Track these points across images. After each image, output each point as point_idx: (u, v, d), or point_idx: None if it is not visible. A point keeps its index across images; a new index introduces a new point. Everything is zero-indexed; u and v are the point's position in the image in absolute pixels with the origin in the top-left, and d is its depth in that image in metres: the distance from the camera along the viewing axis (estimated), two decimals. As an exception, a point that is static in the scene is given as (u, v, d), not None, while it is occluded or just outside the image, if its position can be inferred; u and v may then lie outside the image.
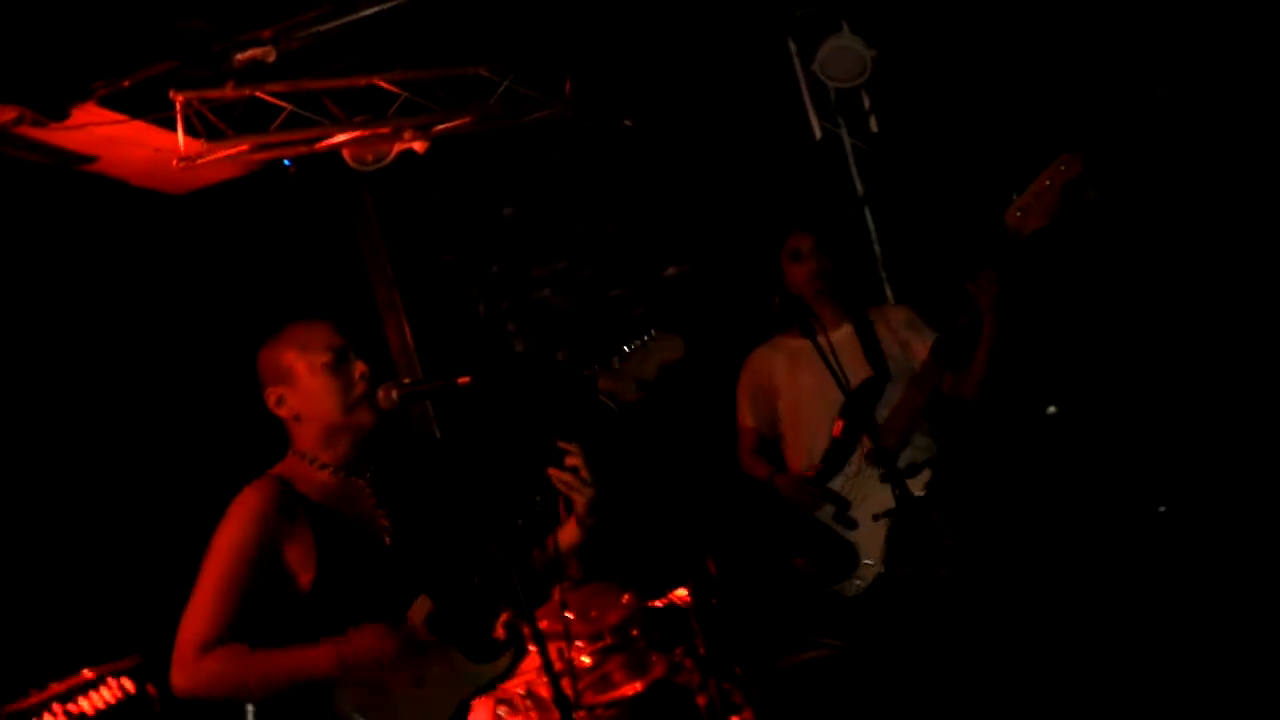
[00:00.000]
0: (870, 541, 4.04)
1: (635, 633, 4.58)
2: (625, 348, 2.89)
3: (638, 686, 4.54)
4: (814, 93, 6.22)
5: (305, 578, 2.72)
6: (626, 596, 4.66)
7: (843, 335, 4.25)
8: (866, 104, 6.31)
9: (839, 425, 4.14)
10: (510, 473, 2.98)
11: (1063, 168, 3.71)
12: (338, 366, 2.84)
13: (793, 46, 6.18)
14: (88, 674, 4.04)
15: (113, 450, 5.16)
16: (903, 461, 4.06)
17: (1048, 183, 3.72)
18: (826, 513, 4.13)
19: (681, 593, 4.75)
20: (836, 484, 4.12)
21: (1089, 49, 5.76)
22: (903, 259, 6.29)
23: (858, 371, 4.13)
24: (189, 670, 2.62)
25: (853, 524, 4.07)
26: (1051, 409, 5.98)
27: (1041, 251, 3.85)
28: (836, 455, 4.13)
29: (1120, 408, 5.79)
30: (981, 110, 5.95)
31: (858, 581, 4.03)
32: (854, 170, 6.38)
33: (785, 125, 6.28)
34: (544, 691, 4.41)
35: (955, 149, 6.01)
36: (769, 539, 4.28)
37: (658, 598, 4.77)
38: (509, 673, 2.93)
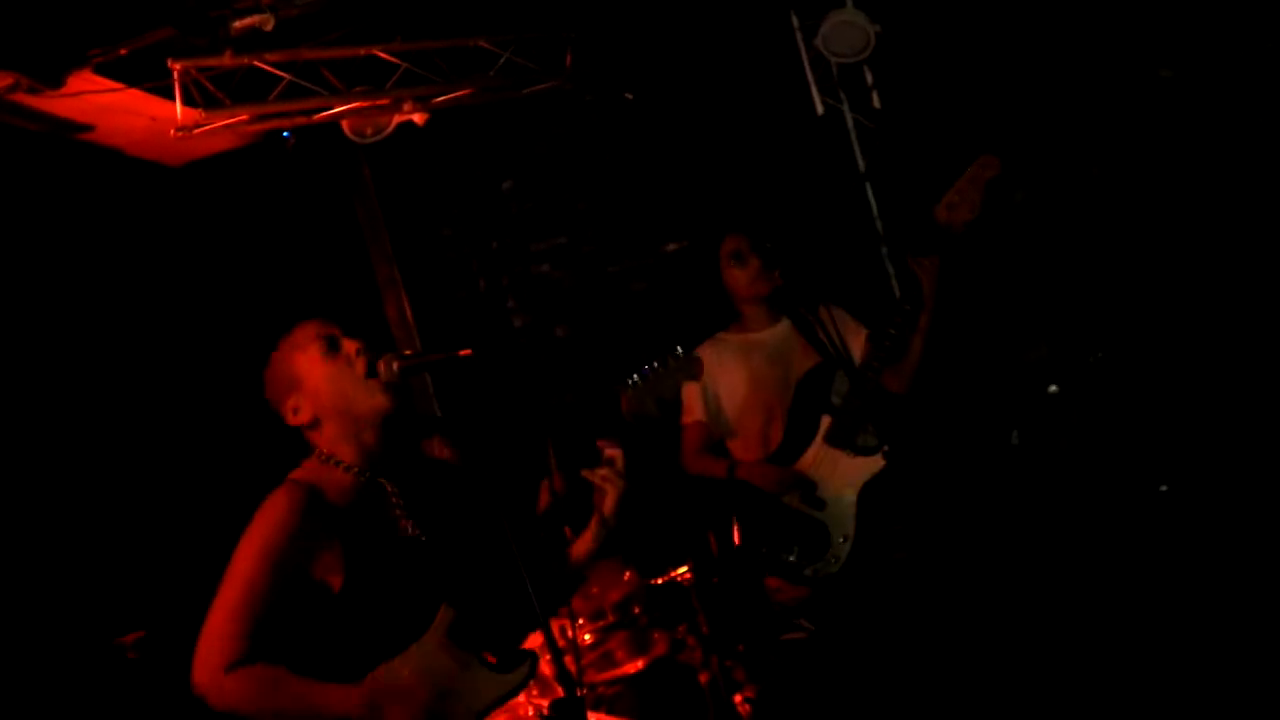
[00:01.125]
0: (840, 518, 4.10)
1: (637, 610, 4.56)
2: (647, 367, 2.89)
3: (639, 664, 4.53)
4: (816, 68, 6.18)
5: (335, 584, 2.68)
6: (628, 574, 4.65)
7: (782, 329, 4.40)
8: (869, 79, 6.27)
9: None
10: (507, 447, 2.96)
11: (982, 168, 3.96)
12: (331, 351, 2.83)
13: (795, 21, 6.15)
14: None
15: (113, 425, 5.12)
16: (860, 442, 4.14)
17: (969, 182, 3.95)
18: (793, 497, 4.15)
19: (683, 570, 4.73)
20: (799, 466, 4.15)
21: (1094, 24, 5.73)
22: (905, 236, 6.26)
23: (803, 362, 4.29)
24: (213, 686, 2.57)
25: (820, 504, 4.11)
26: (1053, 388, 5.96)
27: (975, 243, 3.98)
28: (794, 439, 4.16)
29: (1123, 386, 5.77)
30: (985, 86, 5.92)
31: (833, 559, 4.06)
32: (856, 147, 6.34)
33: (787, 100, 6.24)
34: (546, 669, 4.39)
35: (958, 125, 5.97)
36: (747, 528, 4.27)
37: (659, 575, 4.74)
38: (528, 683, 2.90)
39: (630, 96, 6.27)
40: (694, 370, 2.92)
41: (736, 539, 4.24)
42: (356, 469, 2.82)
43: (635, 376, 2.87)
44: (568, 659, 2.85)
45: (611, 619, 4.54)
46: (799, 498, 4.14)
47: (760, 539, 4.20)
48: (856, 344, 4.26)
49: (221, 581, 2.64)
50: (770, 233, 4.47)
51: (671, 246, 6.51)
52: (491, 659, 2.77)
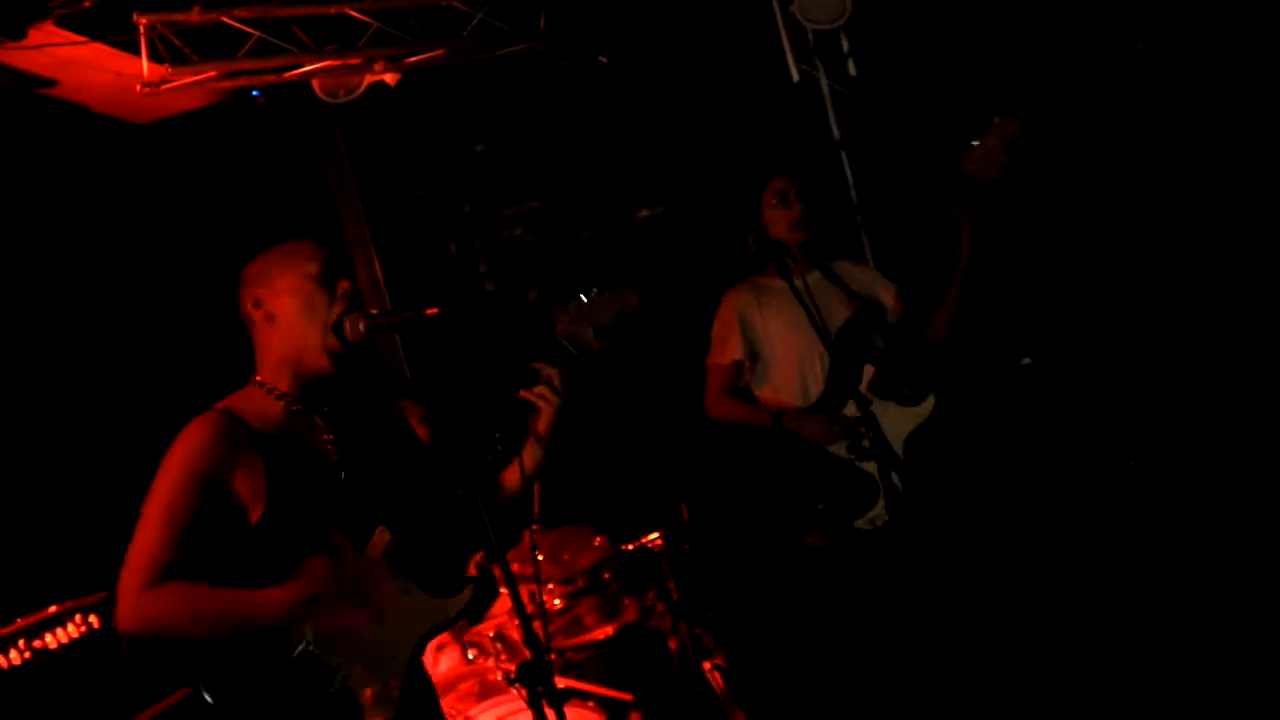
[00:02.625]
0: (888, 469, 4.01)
1: (607, 576, 4.55)
2: (583, 294, 2.85)
3: (609, 630, 4.52)
4: (792, 35, 6.13)
5: (255, 510, 2.63)
6: (599, 539, 4.63)
7: (814, 279, 4.22)
8: (845, 47, 6.24)
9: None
10: (475, 409, 2.93)
11: (1003, 127, 3.85)
12: (324, 277, 2.76)
13: (772, -12, 6.09)
14: (53, 609, 3.98)
15: (75, 384, 5.06)
16: (907, 389, 4.08)
17: (995, 140, 3.84)
18: (840, 447, 4.07)
19: (654, 536, 4.71)
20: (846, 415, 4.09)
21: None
22: (880, 204, 6.24)
23: (841, 310, 4.17)
24: (133, 607, 2.54)
25: (867, 454, 4.02)
26: (1026, 360, 5.97)
27: (1002, 201, 3.94)
28: (837, 387, 4.09)
29: (1093, 360, 5.78)
30: (961, 53, 5.89)
31: (881, 509, 4.00)
32: (831, 114, 6.31)
33: (762, 67, 6.20)
34: (515, 634, 4.38)
35: (935, 93, 5.94)
36: (778, 480, 4.20)
37: (630, 541, 4.72)
38: (475, 611, 2.88)
39: (604, 60, 6.22)
40: (629, 301, 2.86)
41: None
42: (288, 399, 2.77)
43: (573, 302, 2.83)
44: (535, 624, 2.84)
45: (581, 584, 4.53)
46: (846, 448, 4.07)
47: (807, 493, 4.12)
48: (886, 296, 4.25)
49: (142, 508, 2.60)
50: (742, 199, 4.43)
51: (644, 212, 6.48)
52: (431, 583, 2.77)
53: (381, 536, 2.73)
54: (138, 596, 2.53)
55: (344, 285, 2.78)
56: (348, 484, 2.77)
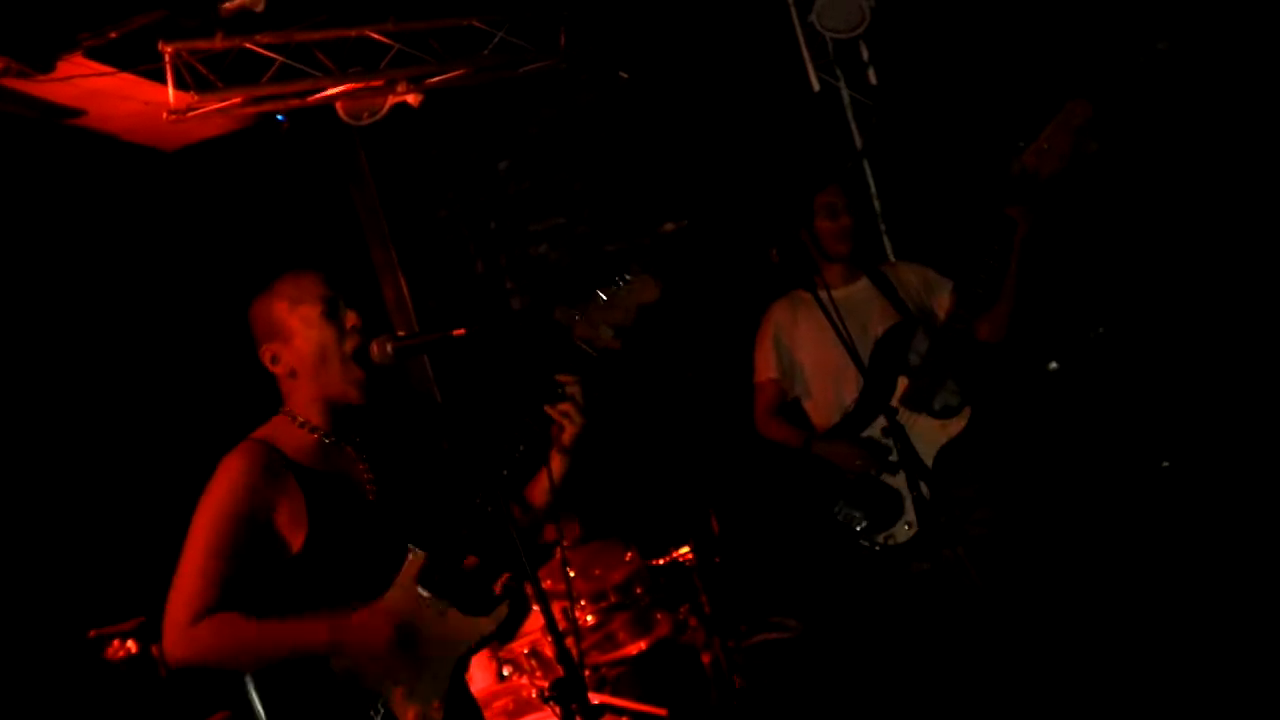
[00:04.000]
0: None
1: (639, 591, 4.56)
2: (599, 292, 2.79)
3: (642, 645, 4.53)
4: (811, 44, 6.13)
5: (297, 539, 2.65)
6: (629, 554, 4.64)
7: (861, 287, 4.25)
8: (865, 55, 6.23)
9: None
10: (499, 426, 2.92)
11: (1072, 113, 3.71)
12: (330, 317, 2.76)
13: (790, -3, 6.10)
14: (92, 634, 4.04)
15: (110, 412, 5.10)
16: (938, 404, 4.04)
17: (1058, 129, 3.71)
18: (871, 463, 4.07)
19: (684, 550, 4.72)
20: (873, 430, 4.08)
21: (1091, -1, 5.68)
22: (902, 214, 6.23)
23: (882, 320, 4.15)
24: (181, 639, 2.56)
25: (894, 469, 4.02)
26: (1053, 365, 5.93)
27: (1061, 196, 3.84)
28: (870, 401, 4.08)
29: (1123, 362, 5.75)
30: (982, 61, 5.87)
31: (906, 526, 3.99)
32: (852, 123, 6.30)
33: (782, 78, 6.19)
34: (548, 651, 4.39)
35: (956, 101, 5.93)
36: (807, 493, 4.19)
37: (661, 556, 4.73)
38: (508, 629, 2.88)
39: (625, 75, 6.23)
40: (646, 293, 2.82)
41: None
42: (321, 431, 2.78)
43: (588, 304, 2.78)
44: (568, 640, 2.83)
45: (614, 600, 4.54)
46: (873, 463, 4.06)
47: (833, 505, 4.10)
48: (941, 301, 4.19)
49: (184, 543, 2.62)
50: (766, 211, 4.43)
51: (669, 226, 6.48)
52: (466, 603, 2.75)
53: (415, 558, 2.73)
54: (186, 630, 2.56)
55: (352, 319, 2.78)
56: (382, 508, 2.78)
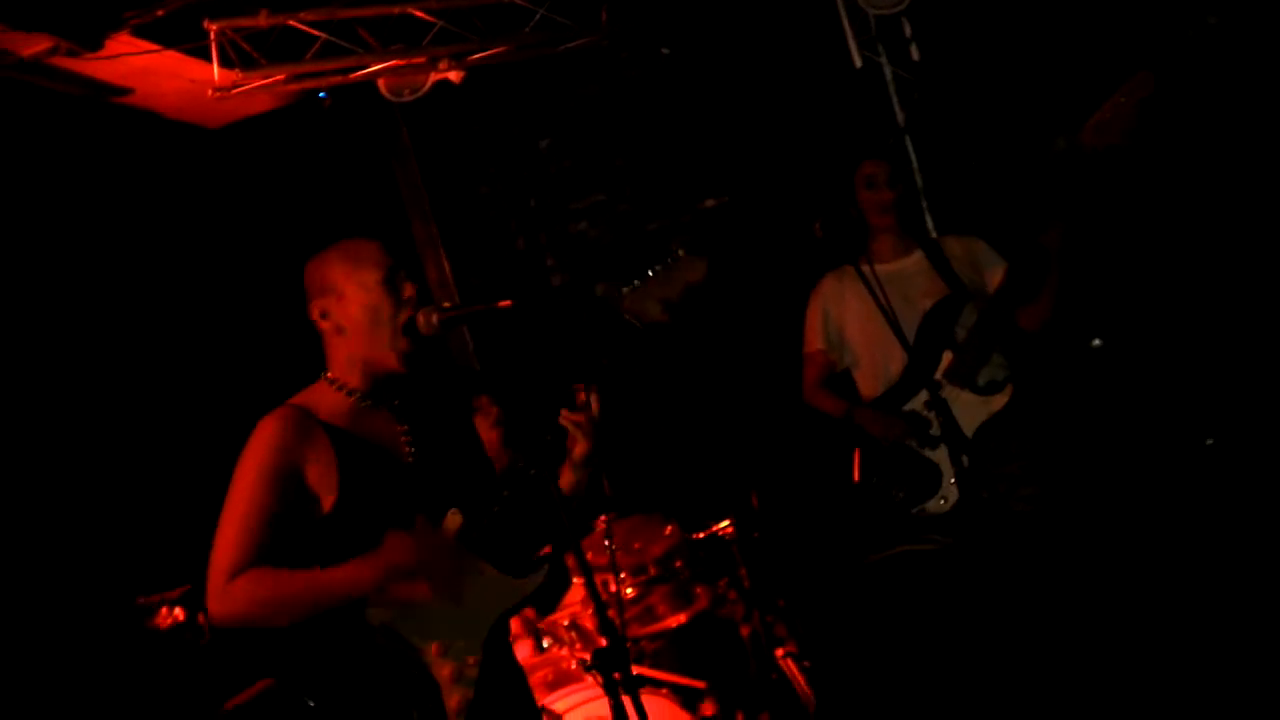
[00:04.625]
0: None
1: (679, 564, 4.58)
2: (650, 269, 2.82)
3: (681, 618, 4.55)
4: (854, 20, 6.08)
5: (328, 500, 2.69)
6: (669, 528, 4.66)
7: (913, 261, 4.25)
8: (908, 31, 6.17)
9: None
10: (540, 395, 2.94)
11: (1137, 85, 3.66)
12: (389, 285, 2.79)
13: (832, -28, 6.06)
14: (140, 601, 4.11)
15: (155, 383, 5.17)
16: (983, 379, 4.04)
17: (1122, 100, 3.66)
18: (910, 435, 4.08)
19: (724, 524, 4.73)
20: (915, 404, 4.08)
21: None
22: (945, 190, 6.20)
23: (929, 294, 4.15)
24: (221, 596, 2.61)
25: (934, 442, 4.02)
26: (1096, 341, 5.89)
27: (1118, 171, 3.79)
28: (914, 374, 4.08)
29: (1167, 340, 5.70)
30: (1025, 37, 5.82)
31: (942, 500, 4.00)
32: (895, 100, 6.26)
33: (824, 54, 6.16)
34: (589, 623, 4.42)
35: (999, 77, 5.89)
36: (843, 463, 4.20)
37: (701, 530, 4.75)
38: (548, 598, 2.91)
39: (667, 51, 6.23)
40: (695, 273, 2.84)
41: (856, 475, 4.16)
42: (359, 394, 2.82)
43: (638, 279, 2.81)
44: (610, 611, 2.85)
45: (653, 573, 4.56)
46: (913, 433, 4.07)
47: (875, 474, 4.14)
48: (993, 278, 4.17)
49: (223, 506, 2.67)
50: (807, 187, 4.43)
51: (710, 202, 6.48)
52: (505, 563, 2.78)
53: (454, 519, 2.76)
54: (225, 587, 2.61)
55: (409, 290, 2.81)
56: (418, 472, 2.81)
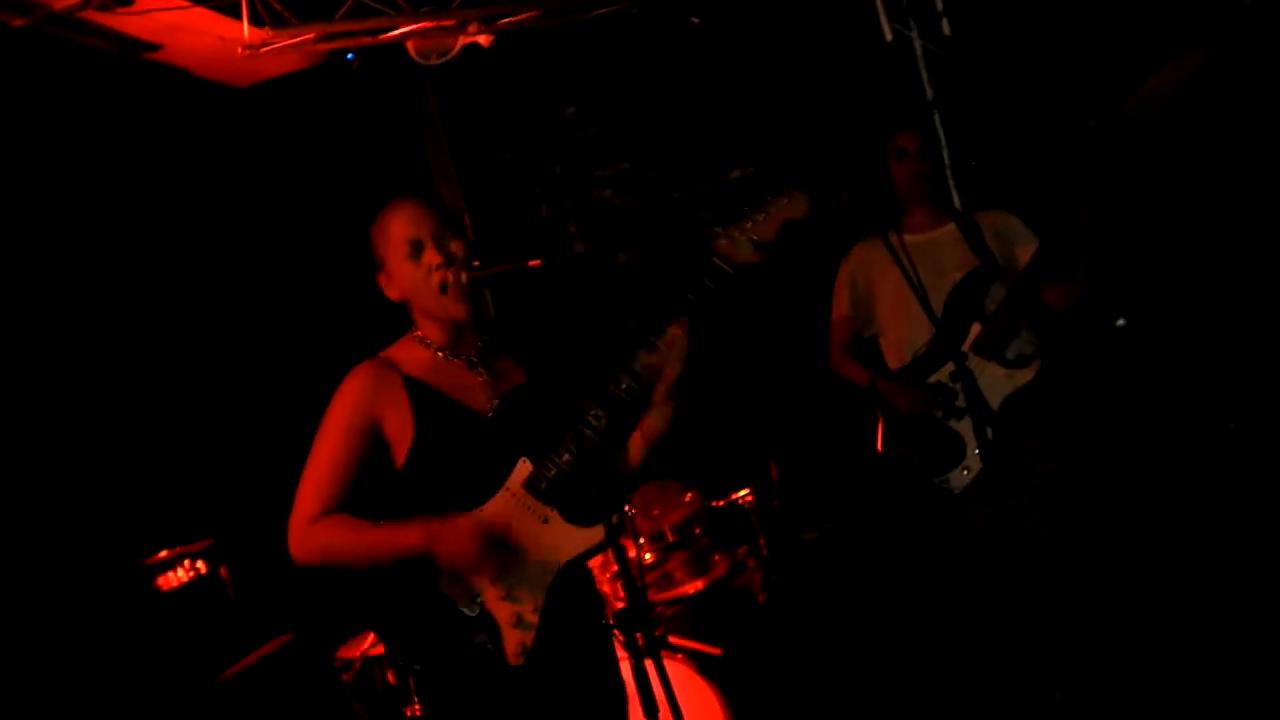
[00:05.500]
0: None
1: (698, 531, 4.58)
2: (746, 209, 2.81)
3: (699, 585, 4.56)
4: (885, -7, 6.06)
5: (403, 449, 2.80)
6: (689, 495, 4.66)
7: (945, 233, 4.24)
8: (939, 6, 6.13)
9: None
10: (566, 362, 2.96)
11: (1181, 65, 3.64)
12: (413, 256, 2.87)
13: (864, -55, 6.02)
14: (164, 554, 4.15)
15: (180, 339, 5.19)
16: (1011, 352, 4.03)
17: (1165, 79, 3.64)
18: (937, 406, 4.08)
19: (744, 493, 4.74)
20: (941, 375, 4.08)
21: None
22: (973, 166, 6.16)
23: (958, 267, 4.14)
24: (300, 539, 2.76)
25: (959, 414, 4.02)
26: (1120, 321, 5.87)
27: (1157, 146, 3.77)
28: (942, 345, 4.07)
29: (1190, 321, 5.67)
30: (1058, 13, 5.78)
31: (965, 471, 4.00)
32: (924, 74, 6.23)
33: (855, 26, 6.12)
34: (605, 588, 4.43)
35: (1030, 53, 5.84)
36: (865, 433, 4.21)
37: (720, 498, 4.76)
38: (610, 544, 2.88)
39: (697, 21, 6.19)
40: (797, 209, 2.81)
41: None
42: (437, 346, 2.92)
43: (734, 220, 2.79)
44: (632, 571, 2.84)
45: (672, 540, 4.57)
46: (938, 405, 4.07)
47: (898, 444, 4.15)
48: (1025, 253, 4.15)
49: (309, 453, 2.82)
50: (835, 159, 4.41)
51: (736, 173, 6.46)
52: (571, 511, 2.81)
53: (523, 468, 2.81)
54: (306, 529, 2.77)
55: (436, 259, 2.84)
56: (495, 422, 2.88)
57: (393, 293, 2.92)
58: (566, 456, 2.77)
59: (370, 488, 2.79)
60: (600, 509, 2.72)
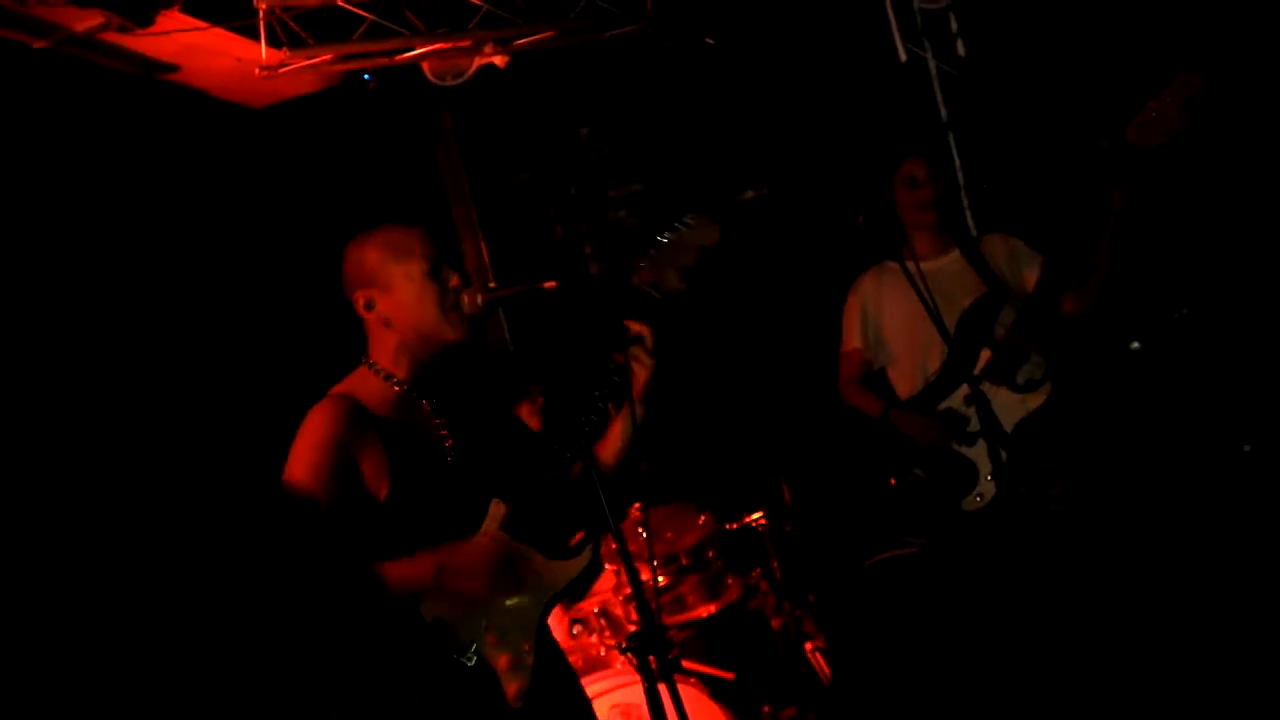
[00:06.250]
0: (990, 456, 3.98)
1: (711, 554, 4.58)
2: (661, 237, 2.84)
3: (712, 609, 4.55)
4: (899, 14, 6.06)
5: (380, 491, 2.70)
6: (702, 518, 4.66)
7: (951, 260, 4.24)
8: (954, 26, 6.15)
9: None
10: (578, 376, 2.94)
11: (1182, 85, 3.64)
12: (433, 276, 2.80)
13: (878, -34, 6.04)
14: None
15: (196, 357, 5.19)
16: (1021, 377, 4.02)
17: (1167, 101, 3.64)
18: (949, 436, 4.08)
19: (757, 516, 4.73)
20: (952, 401, 4.08)
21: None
22: (988, 188, 6.16)
23: (967, 293, 4.14)
24: None
25: (971, 440, 4.02)
26: (1135, 345, 5.85)
27: (1161, 170, 3.78)
28: (952, 372, 4.07)
29: (1207, 343, 5.65)
30: (1073, 33, 5.78)
31: (978, 498, 3.99)
32: (939, 95, 6.24)
33: (869, 47, 6.14)
34: (618, 611, 4.43)
35: (1045, 74, 5.85)
36: (880, 459, 4.21)
37: (733, 520, 4.75)
38: (584, 582, 2.89)
39: (711, 41, 6.21)
40: (708, 236, 2.83)
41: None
42: (403, 385, 2.83)
43: (651, 249, 2.83)
44: (648, 592, 2.84)
45: (685, 562, 4.56)
46: (951, 433, 4.07)
47: (909, 471, 4.15)
48: (1030, 275, 4.17)
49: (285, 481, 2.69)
50: (849, 181, 4.42)
51: (749, 194, 6.45)
52: (549, 548, 2.80)
53: (497, 509, 2.76)
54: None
55: (454, 279, 2.82)
56: (459, 463, 2.81)
57: (381, 312, 2.80)
58: (537, 494, 2.75)
59: (345, 530, 2.66)
60: (579, 543, 2.74)
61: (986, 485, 3.96)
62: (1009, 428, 3.99)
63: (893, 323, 4.34)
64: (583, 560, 2.82)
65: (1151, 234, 5.49)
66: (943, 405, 4.10)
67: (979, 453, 3.99)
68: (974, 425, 4.00)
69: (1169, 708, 4.18)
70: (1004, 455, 3.81)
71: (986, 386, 4.00)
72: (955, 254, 4.27)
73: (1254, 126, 5.42)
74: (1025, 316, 4.00)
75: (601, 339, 2.90)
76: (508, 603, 2.72)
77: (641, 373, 2.85)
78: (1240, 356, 5.53)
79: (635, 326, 2.85)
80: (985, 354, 4.05)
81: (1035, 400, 4.01)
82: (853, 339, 4.42)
